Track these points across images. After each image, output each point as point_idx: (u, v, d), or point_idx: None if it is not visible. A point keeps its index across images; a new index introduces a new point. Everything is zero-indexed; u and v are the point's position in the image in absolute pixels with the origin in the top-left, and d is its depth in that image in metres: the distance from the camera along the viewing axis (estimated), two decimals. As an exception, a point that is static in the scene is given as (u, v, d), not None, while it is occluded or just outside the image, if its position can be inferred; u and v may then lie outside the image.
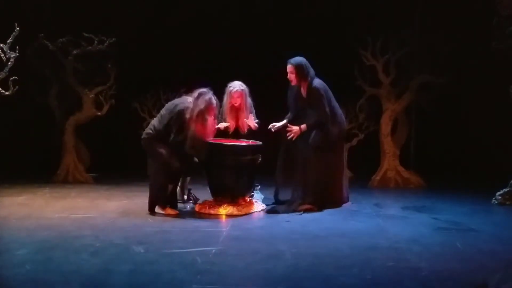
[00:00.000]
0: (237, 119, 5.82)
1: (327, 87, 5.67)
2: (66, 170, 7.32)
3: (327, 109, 5.55)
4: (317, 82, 5.63)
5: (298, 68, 5.59)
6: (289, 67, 5.63)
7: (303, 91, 5.67)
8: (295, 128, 5.56)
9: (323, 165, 5.54)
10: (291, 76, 5.64)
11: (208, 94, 5.23)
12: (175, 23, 8.28)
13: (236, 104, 5.75)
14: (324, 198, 5.61)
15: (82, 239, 4.43)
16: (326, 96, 5.59)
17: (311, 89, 5.59)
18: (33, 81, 7.44)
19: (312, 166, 5.53)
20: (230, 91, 5.74)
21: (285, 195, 5.72)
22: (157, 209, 5.41)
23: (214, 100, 5.26)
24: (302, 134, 5.57)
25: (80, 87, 7.29)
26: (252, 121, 5.77)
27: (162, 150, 5.24)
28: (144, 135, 5.40)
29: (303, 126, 5.57)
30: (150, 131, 5.33)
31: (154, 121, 5.41)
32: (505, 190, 5.98)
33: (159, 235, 4.62)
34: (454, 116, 7.72)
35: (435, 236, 4.68)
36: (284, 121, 5.76)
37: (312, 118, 5.58)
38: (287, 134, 5.58)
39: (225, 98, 5.77)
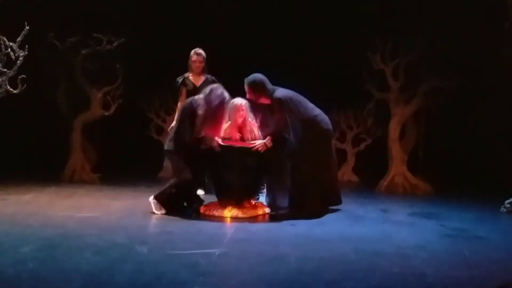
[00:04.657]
0: (240, 131, 5.64)
1: (291, 94, 5.46)
2: (73, 169, 7.32)
3: (288, 120, 5.35)
4: (278, 92, 5.45)
5: (253, 85, 5.44)
6: (245, 87, 5.48)
7: (271, 106, 5.49)
8: (260, 143, 5.37)
9: (310, 168, 5.41)
10: (250, 96, 5.49)
11: (220, 89, 5.35)
12: (183, 24, 8.28)
13: (240, 121, 5.58)
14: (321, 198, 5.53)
15: (86, 238, 4.42)
16: (292, 104, 5.39)
17: (273, 100, 5.43)
18: (42, 80, 7.46)
19: (300, 170, 5.40)
20: (235, 106, 5.49)
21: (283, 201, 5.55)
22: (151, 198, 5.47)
23: (226, 94, 5.35)
24: (268, 148, 5.37)
25: (89, 86, 7.30)
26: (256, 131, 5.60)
27: (179, 160, 5.35)
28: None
29: (268, 141, 5.38)
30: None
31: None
32: (514, 198, 5.92)
33: (162, 235, 4.61)
34: (463, 121, 7.65)
35: (442, 243, 4.63)
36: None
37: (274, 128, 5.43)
38: (253, 147, 5.37)
39: (229, 115, 5.53)
